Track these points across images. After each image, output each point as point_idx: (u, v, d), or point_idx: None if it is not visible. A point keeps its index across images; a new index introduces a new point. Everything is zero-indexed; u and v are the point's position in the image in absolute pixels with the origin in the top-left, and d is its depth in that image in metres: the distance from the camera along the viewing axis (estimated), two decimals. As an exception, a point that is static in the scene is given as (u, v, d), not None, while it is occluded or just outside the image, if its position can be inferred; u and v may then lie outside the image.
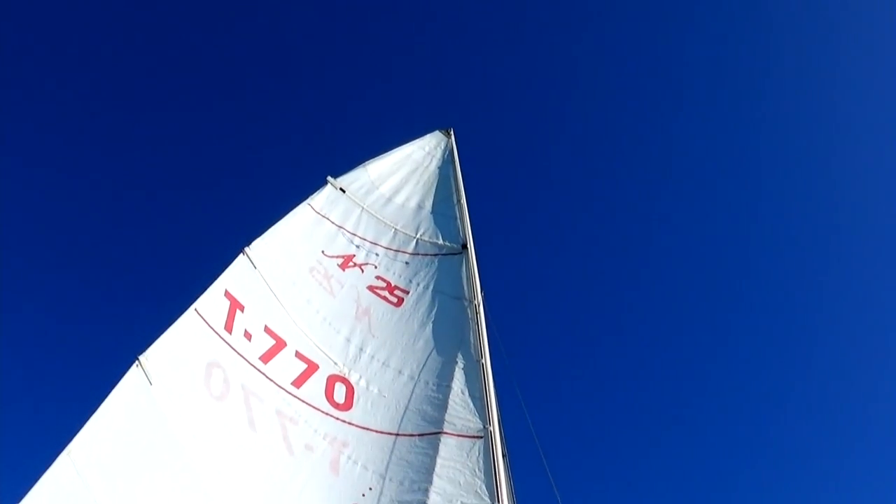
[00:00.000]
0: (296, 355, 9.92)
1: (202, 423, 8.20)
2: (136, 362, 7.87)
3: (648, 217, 33.93)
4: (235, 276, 9.91)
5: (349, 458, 9.07)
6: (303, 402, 9.43)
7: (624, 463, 29.53)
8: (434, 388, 10.01)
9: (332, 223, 12.18)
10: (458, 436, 9.24)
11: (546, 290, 32.49)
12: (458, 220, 13.11)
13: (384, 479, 8.87)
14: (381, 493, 8.71)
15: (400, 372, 10.33)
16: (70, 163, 30.73)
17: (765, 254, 33.47)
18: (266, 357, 9.54)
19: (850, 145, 32.22)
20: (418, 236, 12.74)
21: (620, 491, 28.82)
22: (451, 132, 15.22)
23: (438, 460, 8.94)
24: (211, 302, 9.32)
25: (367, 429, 9.48)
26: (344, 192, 12.76)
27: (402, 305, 11.43)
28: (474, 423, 9.37)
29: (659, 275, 33.37)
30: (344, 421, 9.50)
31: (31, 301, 28.05)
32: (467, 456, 8.97)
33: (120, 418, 7.46)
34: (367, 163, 13.64)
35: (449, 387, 9.92)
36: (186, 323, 8.83)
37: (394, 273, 11.99)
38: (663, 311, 33.07)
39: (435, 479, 8.74)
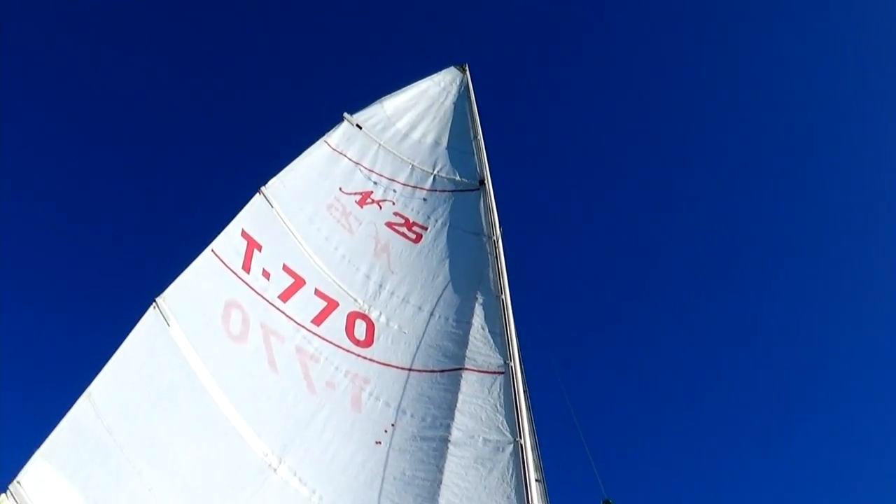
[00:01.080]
0: (315, 293, 9.90)
1: (221, 362, 8.20)
2: (154, 304, 7.88)
3: (669, 144, 33.38)
4: (252, 216, 9.88)
5: (371, 394, 9.09)
6: (323, 339, 9.43)
7: (644, 396, 29.55)
8: (454, 323, 9.99)
9: (349, 160, 12.09)
10: (480, 371, 9.23)
11: (565, 225, 32.22)
12: (475, 156, 13.03)
13: (406, 414, 8.88)
14: (403, 428, 8.72)
15: (420, 308, 10.31)
16: (84, 102, 30.62)
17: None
18: (285, 295, 9.53)
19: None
20: (435, 172, 12.65)
21: (642, 423, 28.89)
22: (466, 68, 15.16)
23: (460, 396, 8.94)
24: (228, 242, 9.31)
25: (389, 365, 9.48)
26: (360, 128, 12.66)
27: (421, 241, 11.38)
28: (495, 359, 9.35)
29: (683, 203, 32.89)
30: (365, 357, 9.50)
31: (49, 244, 28.21)
32: (488, 392, 8.96)
33: (138, 360, 7.50)
34: (382, 99, 13.59)
35: (469, 323, 9.90)
36: (203, 264, 8.82)
37: (412, 209, 11.93)
38: (685, 244, 32.71)
39: (457, 414, 8.74)
